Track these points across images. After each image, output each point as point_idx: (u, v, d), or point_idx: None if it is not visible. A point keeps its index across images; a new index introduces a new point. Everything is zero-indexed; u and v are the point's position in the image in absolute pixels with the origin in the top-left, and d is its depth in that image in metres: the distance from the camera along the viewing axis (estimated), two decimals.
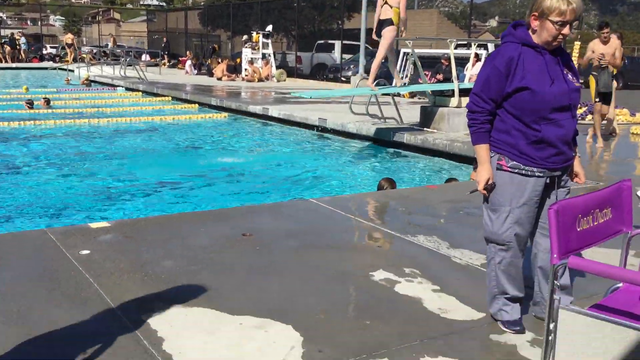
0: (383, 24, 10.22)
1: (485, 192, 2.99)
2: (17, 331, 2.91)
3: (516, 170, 2.93)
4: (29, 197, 7.04)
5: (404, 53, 18.62)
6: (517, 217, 2.96)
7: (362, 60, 21.39)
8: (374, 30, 10.55)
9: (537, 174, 2.92)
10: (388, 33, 10.18)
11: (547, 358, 2.18)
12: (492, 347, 2.94)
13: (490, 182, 2.96)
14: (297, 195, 7.53)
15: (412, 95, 17.51)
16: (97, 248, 4.09)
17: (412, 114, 11.94)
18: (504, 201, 2.97)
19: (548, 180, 2.97)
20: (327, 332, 3.02)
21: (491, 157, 2.98)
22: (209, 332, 2.96)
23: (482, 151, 2.97)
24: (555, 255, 2.14)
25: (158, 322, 3.04)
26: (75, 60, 31.65)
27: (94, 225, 4.68)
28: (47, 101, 14.97)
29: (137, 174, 8.37)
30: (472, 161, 8.21)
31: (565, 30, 2.85)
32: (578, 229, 2.25)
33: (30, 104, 14.61)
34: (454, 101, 10.25)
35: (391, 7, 10.08)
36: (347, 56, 25.39)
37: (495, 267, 3.08)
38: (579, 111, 12.90)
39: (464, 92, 10.36)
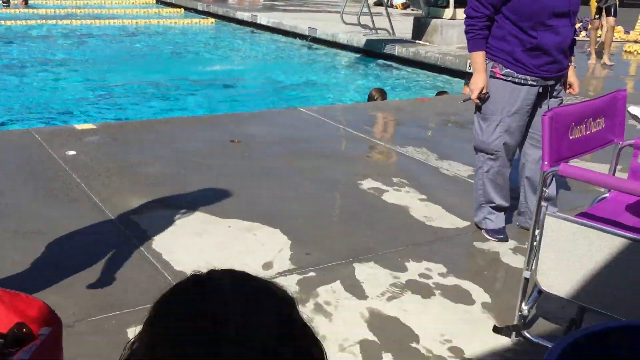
0: None
1: (478, 101, 2.95)
2: (5, 227, 2.92)
3: (509, 79, 2.88)
4: (13, 98, 6.90)
5: None
6: (507, 126, 2.94)
7: None
8: None
9: (530, 82, 2.88)
10: None
11: (531, 263, 2.22)
12: (475, 254, 3.01)
13: (484, 91, 2.92)
14: (286, 105, 7.44)
15: (406, 6, 17.06)
16: (83, 149, 4.05)
17: (405, 25, 11.67)
18: (496, 110, 2.94)
19: (541, 90, 2.93)
20: (314, 236, 3.05)
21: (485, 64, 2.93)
22: (198, 233, 2.98)
23: (479, 58, 2.91)
24: (546, 163, 2.13)
25: (147, 222, 3.05)
26: None
27: (80, 126, 4.62)
28: (25, 0, 14.43)
29: (123, 78, 8.20)
30: (464, 75, 8.13)
31: None
32: (570, 137, 2.24)
33: (7, 2, 14.10)
34: (448, 12, 10.01)
35: None
36: None
37: (483, 176, 3.10)
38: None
39: (459, 3, 10.09)
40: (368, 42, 10.44)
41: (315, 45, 11.54)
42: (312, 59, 10.70)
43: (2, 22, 12.14)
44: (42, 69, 8.50)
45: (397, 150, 4.55)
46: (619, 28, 12.67)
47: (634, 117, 4.59)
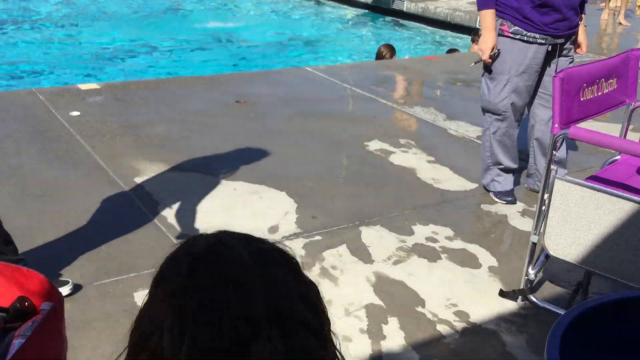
0: None
1: (490, 60, 2.88)
2: (9, 188, 2.91)
3: (518, 36, 2.81)
4: (14, 56, 6.83)
5: None
6: (515, 86, 2.88)
7: None
8: None
9: (539, 40, 2.80)
10: None
11: (539, 227, 2.19)
12: (482, 216, 2.98)
13: (495, 50, 2.85)
14: (292, 64, 7.35)
15: None
16: (87, 110, 4.01)
17: None
18: (503, 69, 2.87)
19: (550, 48, 2.85)
20: (320, 199, 3.03)
21: None
22: (203, 195, 2.97)
23: (489, 16, 2.83)
24: (556, 125, 2.09)
25: (152, 185, 3.04)
26: None
27: (84, 86, 4.57)
28: None
29: (125, 35, 8.09)
30: (472, 32, 7.96)
31: None
32: (582, 99, 2.18)
33: None
34: None
35: None
36: None
37: (490, 137, 3.05)
38: None
39: None
40: None
41: (322, 1, 11.32)
42: (320, 14, 10.52)
43: None
44: (41, 27, 8.39)
45: (405, 110, 4.49)
46: None
47: None
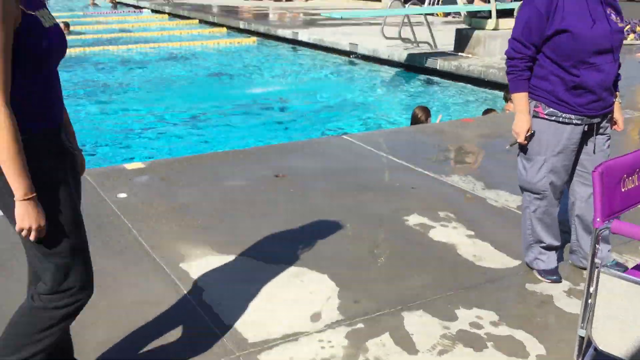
0: None
1: (525, 142, 2.90)
2: None
3: (553, 118, 2.83)
4: None
5: None
6: (552, 166, 2.89)
7: None
8: None
9: (574, 121, 2.82)
10: None
11: (586, 320, 2.17)
12: (527, 297, 2.95)
13: (530, 132, 2.87)
14: (329, 127, 7.48)
15: (447, 14, 16.91)
16: (133, 191, 4.15)
17: (446, 35, 11.57)
18: (540, 150, 2.88)
19: (586, 128, 2.86)
20: (362, 281, 3.05)
21: None
22: (246, 280, 3.02)
23: (522, 99, 2.86)
24: (598, 219, 2.08)
25: (196, 270, 3.10)
26: None
27: (129, 166, 4.73)
28: (67, 25, 14.76)
29: (166, 106, 8.36)
30: (505, 89, 7.99)
31: None
32: (623, 190, 2.18)
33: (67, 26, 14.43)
34: (491, 23, 9.87)
35: None
36: None
37: (531, 216, 3.04)
38: None
39: (502, 13, 9.96)
40: (410, 56, 10.39)
41: (357, 61, 11.54)
42: (355, 75, 10.71)
43: None
44: (83, 98, 8.71)
45: (443, 179, 4.51)
46: None
47: None
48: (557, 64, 2.77)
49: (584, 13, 2.71)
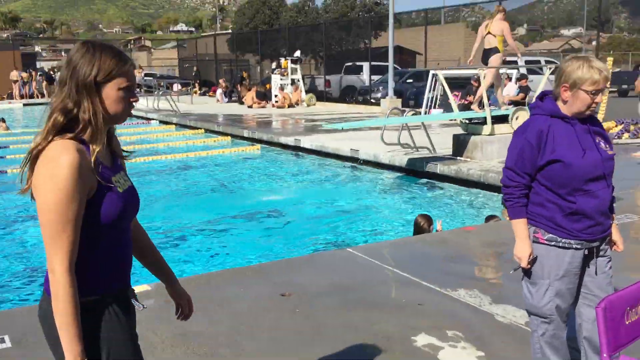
0: (489, 52, 10.87)
1: (529, 266, 2.95)
2: None
3: (553, 243, 2.88)
4: None
5: (433, 74, 18.54)
6: (557, 290, 2.91)
7: (391, 82, 21.44)
8: (473, 57, 11.34)
9: (574, 246, 2.87)
10: (495, 61, 10.79)
11: None
12: None
13: (532, 257, 2.92)
14: (333, 237, 7.54)
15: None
16: (140, 316, 4.13)
17: (444, 139, 11.87)
18: (543, 274, 2.92)
19: (587, 252, 2.91)
20: None
21: None
22: None
23: (521, 226, 2.93)
24: (605, 355, 2.09)
25: None
26: None
27: (137, 288, 4.73)
28: None
29: (171, 219, 8.46)
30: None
31: (598, 98, 2.84)
32: (627, 322, 2.20)
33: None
34: (486, 129, 10.16)
35: (495, 36, 10.74)
36: (375, 77, 25.46)
37: (539, 339, 3.03)
38: (615, 129, 12.67)
39: (497, 119, 10.27)
40: (410, 161, 10.62)
41: (358, 166, 11.78)
42: (357, 181, 10.90)
43: None
44: None
45: (449, 294, 4.51)
46: None
47: None
48: (552, 192, 2.86)
49: (574, 143, 2.82)
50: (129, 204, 1.90)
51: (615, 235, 3.03)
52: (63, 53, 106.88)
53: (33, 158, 1.77)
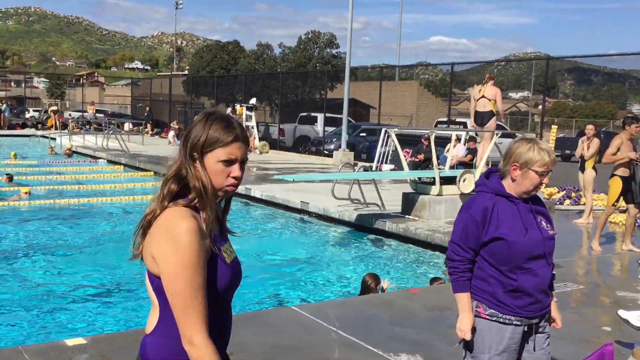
0: (483, 114, 11.80)
1: (471, 336, 2.99)
2: None
3: (494, 318, 2.94)
4: None
5: (385, 131, 18.92)
6: None
7: (344, 135, 21.74)
8: (472, 118, 12.15)
9: (515, 322, 2.93)
10: (492, 124, 11.70)
11: None
12: None
13: (474, 330, 2.96)
14: (279, 291, 7.47)
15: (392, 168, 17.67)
16: None
17: (394, 195, 12.03)
18: (484, 348, 2.97)
19: (526, 328, 2.98)
20: None
21: None
22: None
23: (464, 300, 2.98)
24: None
25: None
26: (57, 128, 31.81)
27: (71, 341, 4.56)
28: (10, 178, 14.41)
29: (108, 266, 8.20)
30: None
31: (546, 178, 2.98)
32: None
33: (11, 178, 14.33)
34: (435, 189, 10.36)
35: (489, 100, 11.64)
36: (329, 129, 25.80)
37: None
38: (557, 195, 13.11)
39: (445, 180, 10.50)
40: (359, 216, 10.70)
41: (307, 219, 11.79)
42: (305, 233, 10.88)
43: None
44: (25, 257, 8.42)
45: (391, 358, 4.49)
46: (602, 195, 13.05)
47: (625, 321, 4.61)
48: (495, 268, 2.93)
49: (517, 222, 2.92)
50: (236, 275, 1.90)
51: (554, 312, 3.11)
52: (12, 83, 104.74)
53: (147, 224, 1.80)
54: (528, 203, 2.99)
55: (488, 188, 3.01)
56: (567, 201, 12.58)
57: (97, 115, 35.48)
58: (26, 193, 12.75)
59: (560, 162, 25.21)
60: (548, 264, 2.97)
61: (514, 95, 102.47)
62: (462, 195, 10.33)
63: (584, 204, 11.28)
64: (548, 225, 3.02)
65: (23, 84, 67.12)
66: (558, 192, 13.28)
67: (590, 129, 10.77)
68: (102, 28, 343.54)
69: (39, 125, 35.14)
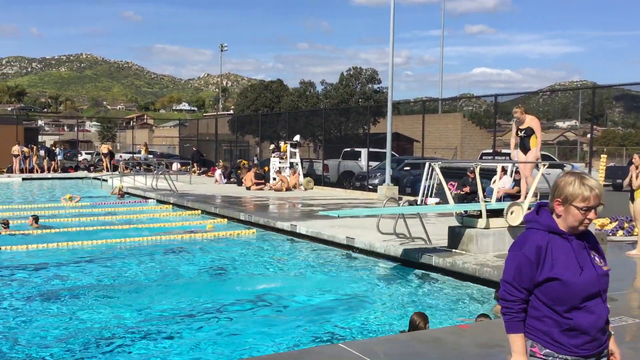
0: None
1: None
2: None
3: (550, 358, 2.88)
4: (26, 341, 6.77)
5: (429, 165, 18.82)
6: None
7: (388, 170, 21.73)
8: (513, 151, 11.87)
9: None
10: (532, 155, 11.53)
11: None
12: None
13: None
14: (325, 329, 7.45)
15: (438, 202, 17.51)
16: None
17: (440, 229, 11.92)
18: None
19: None
20: None
21: None
22: None
23: (518, 341, 2.93)
24: None
25: None
26: (109, 169, 32.81)
27: None
28: (36, 219, 14.27)
29: (158, 304, 8.33)
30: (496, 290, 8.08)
31: (591, 214, 2.90)
32: None
33: (6, 223, 13.76)
34: (481, 222, 10.23)
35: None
36: (373, 163, 25.84)
37: None
38: (610, 226, 12.76)
39: (492, 213, 10.37)
40: (405, 251, 10.63)
41: (353, 255, 11.77)
42: (351, 270, 10.85)
43: (3, 247, 11.85)
44: (59, 302, 8.48)
45: None
46: None
47: None
48: (550, 308, 2.87)
49: (571, 261, 2.86)
50: None
51: (613, 346, 3.03)
52: (66, 128, 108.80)
53: None
54: (581, 240, 2.93)
55: (540, 225, 2.95)
56: (620, 232, 12.23)
57: (148, 156, 36.46)
58: (34, 220, 13.86)
59: (612, 191, 24.52)
60: (603, 301, 2.92)
61: (561, 124, 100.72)
62: (510, 228, 10.18)
63: (637, 235, 10.95)
64: (602, 261, 2.96)
65: (76, 128, 69.72)
66: (610, 222, 12.93)
67: (636, 158, 10.51)
68: (151, 72, 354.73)
69: (91, 168, 36.29)
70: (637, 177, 10.37)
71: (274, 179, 25.13)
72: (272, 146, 28.13)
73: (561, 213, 2.92)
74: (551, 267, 2.85)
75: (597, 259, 2.95)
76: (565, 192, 2.89)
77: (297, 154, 26.30)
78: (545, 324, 2.89)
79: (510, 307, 2.94)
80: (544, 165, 11.26)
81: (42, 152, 35.37)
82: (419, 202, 13.10)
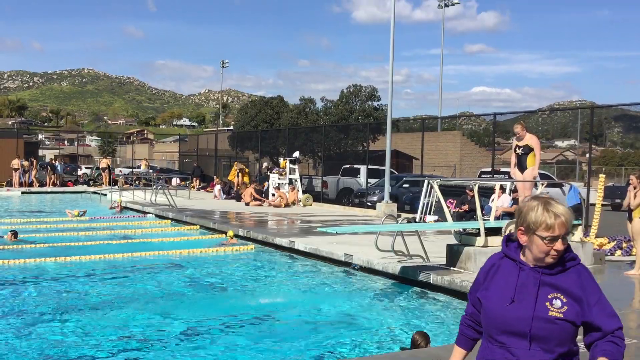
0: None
1: None
2: None
3: None
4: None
5: (428, 182, 18.84)
6: None
7: (387, 187, 21.75)
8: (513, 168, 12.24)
9: None
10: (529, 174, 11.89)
11: None
12: None
13: None
14: (322, 347, 7.41)
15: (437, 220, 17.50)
16: None
17: (438, 247, 11.91)
18: None
19: None
20: None
21: None
22: None
23: (456, 354, 2.88)
24: None
25: None
26: (109, 184, 32.84)
27: None
28: (14, 234, 14.10)
29: (152, 320, 8.28)
30: None
31: (558, 245, 2.53)
32: None
33: (15, 234, 13.97)
34: (480, 241, 10.23)
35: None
36: (372, 180, 25.87)
37: None
38: (608, 246, 12.73)
39: (490, 231, 10.36)
40: (403, 269, 10.61)
41: (351, 271, 11.74)
42: (349, 286, 10.82)
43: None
44: (68, 312, 8.46)
45: None
46: None
47: None
48: (485, 330, 2.73)
49: (507, 289, 2.60)
50: None
51: None
52: (66, 142, 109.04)
53: None
54: (548, 274, 2.55)
55: (502, 247, 2.76)
56: (619, 252, 12.20)
57: (148, 170, 36.54)
58: (13, 235, 13.95)
59: (610, 211, 24.53)
60: (530, 348, 2.50)
61: (560, 143, 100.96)
62: None
63: (635, 254, 10.92)
64: (558, 306, 2.51)
65: (76, 143, 69.89)
66: (609, 242, 12.91)
67: (633, 178, 10.53)
68: (152, 87, 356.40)
69: (91, 182, 36.31)
70: (634, 197, 10.38)
71: (273, 195, 25.14)
72: (265, 164, 28.15)
73: (525, 243, 2.59)
74: (485, 289, 2.68)
75: (554, 301, 2.53)
76: (528, 219, 2.55)
77: (297, 171, 26.34)
78: (482, 346, 2.73)
79: (462, 321, 2.90)
80: (542, 184, 11.28)
81: (48, 167, 35.45)
82: (417, 220, 13.11)
